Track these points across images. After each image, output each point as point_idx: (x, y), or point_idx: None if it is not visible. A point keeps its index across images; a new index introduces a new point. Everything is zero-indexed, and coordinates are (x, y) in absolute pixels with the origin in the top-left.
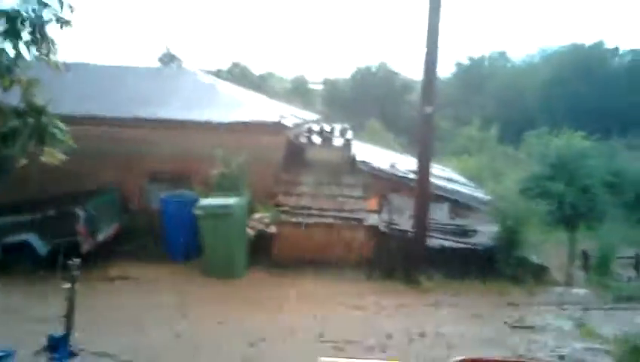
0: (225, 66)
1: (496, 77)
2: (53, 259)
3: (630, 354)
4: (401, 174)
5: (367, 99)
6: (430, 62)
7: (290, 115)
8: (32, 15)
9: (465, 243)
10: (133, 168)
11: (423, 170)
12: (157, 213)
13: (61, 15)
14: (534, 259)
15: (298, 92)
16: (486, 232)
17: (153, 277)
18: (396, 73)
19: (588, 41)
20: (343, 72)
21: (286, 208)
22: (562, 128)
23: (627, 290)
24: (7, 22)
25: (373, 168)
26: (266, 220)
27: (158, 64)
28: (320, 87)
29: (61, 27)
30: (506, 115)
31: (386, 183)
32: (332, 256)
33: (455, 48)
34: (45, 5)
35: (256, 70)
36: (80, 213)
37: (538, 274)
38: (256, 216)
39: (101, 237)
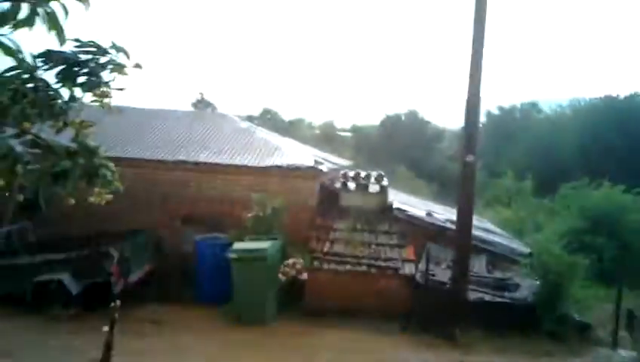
0: (256, 112)
1: (528, 127)
2: (85, 299)
3: None
4: (438, 223)
5: (396, 147)
6: (472, 110)
7: (323, 160)
8: (89, 58)
9: (504, 297)
10: (168, 210)
11: (464, 220)
12: (190, 255)
13: (117, 60)
14: (577, 316)
15: (327, 138)
16: (526, 286)
17: (183, 320)
18: (426, 121)
19: (621, 92)
20: (372, 119)
21: (319, 254)
22: (599, 181)
23: None
24: (66, 66)
25: (410, 216)
26: (299, 266)
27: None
28: (348, 133)
29: (117, 73)
30: (538, 167)
31: (422, 232)
32: (365, 305)
33: (485, 97)
34: (104, 52)
35: (286, 116)
36: (114, 253)
37: (581, 333)
38: (290, 261)
39: (133, 278)
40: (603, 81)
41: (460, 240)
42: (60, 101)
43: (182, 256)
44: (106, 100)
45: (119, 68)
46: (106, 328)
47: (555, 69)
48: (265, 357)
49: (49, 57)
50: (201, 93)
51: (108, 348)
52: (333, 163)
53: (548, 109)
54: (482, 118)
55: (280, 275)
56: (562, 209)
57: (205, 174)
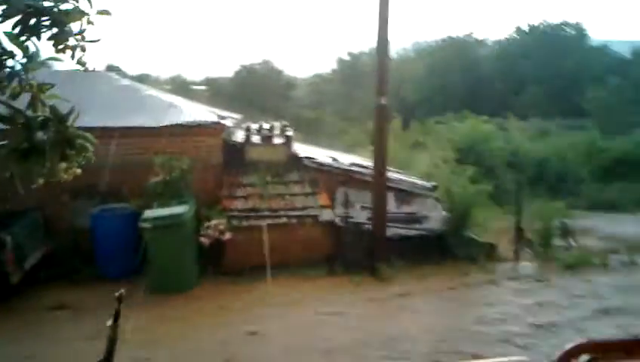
0: (98, 68)
1: (371, 72)
2: None
3: None
4: (345, 168)
5: (251, 97)
6: (381, 54)
7: (221, 115)
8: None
9: (418, 229)
10: (52, 183)
11: (380, 161)
12: (85, 231)
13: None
14: (483, 238)
15: (179, 92)
16: (435, 217)
17: (93, 302)
18: (280, 71)
19: (459, 33)
20: (225, 70)
21: (235, 212)
22: (463, 113)
23: (570, 258)
24: (23, 15)
25: (318, 163)
26: (221, 227)
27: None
28: (202, 86)
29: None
30: (393, 107)
31: (332, 178)
32: (289, 257)
33: (336, 44)
34: None
35: (131, 71)
36: (7, 238)
37: (488, 252)
38: (212, 223)
39: (28, 264)
40: (443, 24)
41: (377, 181)
42: (15, 59)
43: (77, 233)
44: (78, 55)
45: (82, 15)
46: (109, 322)
47: (399, 17)
48: (192, 326)
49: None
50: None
51: (112, 343)
52: (229, 117)
53: (395, 54)
54: (334, 66)
55: (202, 239)
56: (432, 142)
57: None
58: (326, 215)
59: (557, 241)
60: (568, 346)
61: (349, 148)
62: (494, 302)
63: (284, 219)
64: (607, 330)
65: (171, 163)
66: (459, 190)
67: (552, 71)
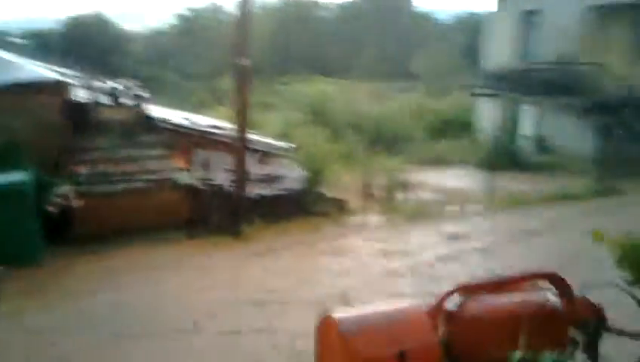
0: None
1: (213, 29)
2: None
3: None
4: (202, 129)
5: (82, 51)
6: (243, 15)
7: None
8: None
9: (277, 189)
10: None
11: (241, 123)
12: None
13: None
14: (336, 195)
15: None
16: (293, 177)
17: None
18: (113, 24)
19: None
20: (50, 22)
21: (83, 178)
22: (311, 75)
23: (411, 210)
24: None
25: (173, 125)
26: (70, 194)
27: None
28: (23, 40)
29: None
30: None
31: (188, 140)
32: (147, 222)
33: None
34: None
35: None
36: None
37: (340, 207)
38: (61, 190)
39: None
40: None
41: (238, 142)
42: None
43: None
44: None
45: None
46: None
47: None
48: (40, 302)
49: None
50: None
51: None
52: (70, 74)
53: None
54: (173, 21)
55: (49, 207)
56: (280, 103)
57: None
58: (184, 178)
59: (398, 195)
60: (445, 290)
61: (195, 109)
62: (347, 252)
63: (140, 184)
64: (453, 272)
65: (6, 125)
66: (314, 150)
67: (385, 35)
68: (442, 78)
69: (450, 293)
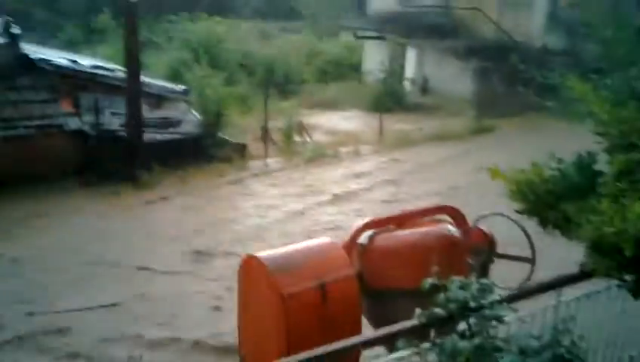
0: None
1: None
2: None
3: None
4: (88, 71)
5: None
6: None
7: None
8: None
9: (173, 133)
10: None
11: (132, 65)
12: None
13: None
14: (235, 139)
15: None
16: (188, 121)
17: None
18: None
19: None
20: None
21: None
22: (198, 14)
23: (309, 153)
24: None
25: (56, 66)
26: None
27: None
28: None
29: None
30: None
31: (73, 82)
32: (34, 171)
33: None
34: None
35: None
36: None
37: (241, 152)
38: None
39: None
40: None
41: (130, 84)
42: None
43: None
44: None
45: None
46: None
47: None
48: None
49: None
50: None
51: None
52: None
53: None
54: None
55: None
56: (164, 42)
57: None
58: (72, 123)
59: (296, 138)
60: (356, 224)
61: (67, 47)
62: (252, 195)
63: (22, 130)
64: (356, 208)
65: None
66: (211, 93)
67: None
68: (326, 19)
69: (361, 229)
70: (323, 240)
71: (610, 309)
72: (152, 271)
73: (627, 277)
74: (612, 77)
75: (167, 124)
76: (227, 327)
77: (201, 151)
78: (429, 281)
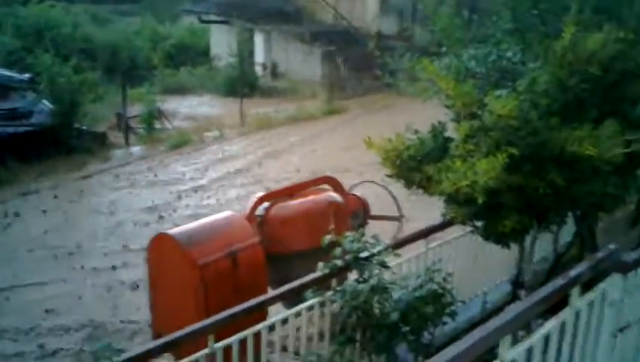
0: None
1: None
2: None
3: None
4: None
5: None
6: None
7: None
8: None
9: (26, 125)
10: None
11: None
12: None
13: None
14: (93, 128)
15: None
16: (39, 111)
17: None
18: None
19: None
20: None
21: None
22: None
23: (174, 139)
24: None
25: None
26: None
27: None
28: None
29: None
30: None
31: None
32: None
33: None
34: None
35: None
36: None
37: (100, 141)
38: None
39: None
40: None
41: None
42: None
43: None
44: None
45: None
46: None
47: None
48: None
49: None
50: None
51: None
52: None
53: None
54: None
55: None
56: None
57: None
58: None
59: (155, 125)
60: (254, 197)
61: None
62: (119, 187)
63: None
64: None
65: None
66: (63, 81)
67: None
68: (165, 2)
69: (258, 202)
70: (227, 213)
71: (467, 252)
72: None
73: (478, 224)
74: (449, 58)
75: (16, 115)
76: None
77: (59, 143)
78: (328, 238)
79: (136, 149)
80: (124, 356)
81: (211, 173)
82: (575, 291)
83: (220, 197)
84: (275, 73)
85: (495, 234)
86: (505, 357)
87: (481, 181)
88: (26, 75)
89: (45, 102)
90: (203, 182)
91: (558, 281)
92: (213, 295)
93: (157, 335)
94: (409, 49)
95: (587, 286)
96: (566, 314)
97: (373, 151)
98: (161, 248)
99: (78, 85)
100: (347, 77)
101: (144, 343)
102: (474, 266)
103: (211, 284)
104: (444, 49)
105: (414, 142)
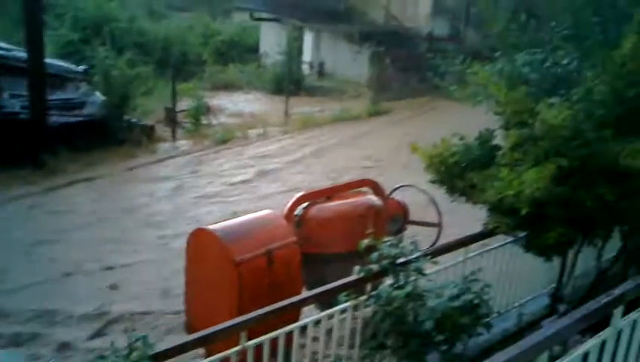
0: None
1: None
2: None
3: None
4: None
5: None
6: None
7: None
8: None
9: (78, 115)
10: None
11: (35, 45)
12: None
13: None
14: (142, 121)
15: None
16: (92, 102)
17: None
18: None
19: None
20: None
21: None
22: None
23: (220, 134)
24: None
25: None
26: None
27: None
28: None
29: None
30: None
31: None
32: None
33: None
34: None
35: None
36: None
37: (148, 134)
38: None
39: None
40: None
41: (32, 65)
42: None
43: None
44: None
45: None
46: None
47: None
48: None
49: None
50: None
51: None
52: None
53: None
54: None
55: None
56: (53, 20)
57: None
58: None
59: (203, 120)
60: (293, 198)
61: None
62: (169, 177)
63: None
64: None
65: None
66: (117, 74)
67: None
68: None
69: (297, 202)
70: (266, 211)
71: (505, 262)
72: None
73: (520, 234)
74: (502, 63)
75: (70, 105)
76: None
77: (109, 134)
78: (365, 242)
79: (182, 143)
80: (159, 349)
81: (249, 170)
82: (618, 310)
83: (259, 194)
84: (322, 72)
85: (538, 246)
86: None
87: (527, 191)
88: (81, 67)
89: (98, 93)
90: (244, 177)
91: (602, 299)
92: (248, 292)
93: (190, 329)
94: (461, 52)
95: (630, 305)
96: (607, 333)
97: (417, 155)
98: (199, 242)
99: (132, 79)
100: (394, 78)
101: None
102: (511, 277)
103: (247, 281)
104: (497, 53)
105: (460, 149)
